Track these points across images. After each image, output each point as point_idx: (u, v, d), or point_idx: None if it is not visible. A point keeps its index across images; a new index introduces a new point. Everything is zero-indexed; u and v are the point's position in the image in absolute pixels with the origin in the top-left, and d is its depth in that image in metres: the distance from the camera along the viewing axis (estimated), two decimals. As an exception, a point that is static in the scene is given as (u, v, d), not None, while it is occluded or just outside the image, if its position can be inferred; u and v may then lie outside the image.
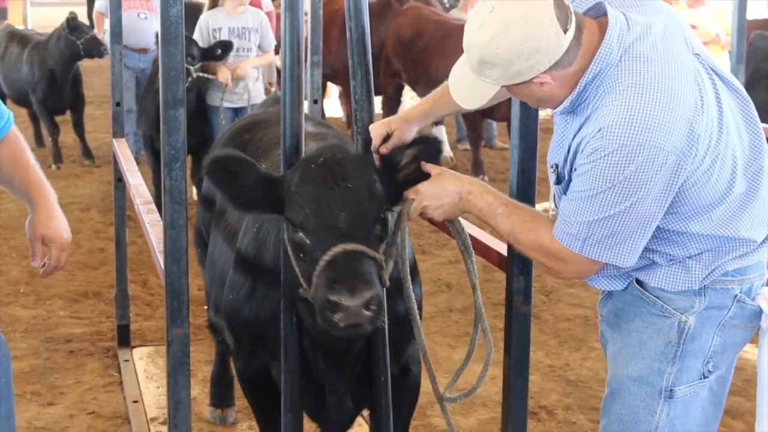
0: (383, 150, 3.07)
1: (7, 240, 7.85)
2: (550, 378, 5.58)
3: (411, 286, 3.05)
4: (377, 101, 11.72)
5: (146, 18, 10.33)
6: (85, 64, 11.61)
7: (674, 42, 2.69)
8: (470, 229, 3.54)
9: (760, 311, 2.80)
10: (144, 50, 10.31)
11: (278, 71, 9.65)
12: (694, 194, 2.66)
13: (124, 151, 5.26)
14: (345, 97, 13.21)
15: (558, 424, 5.04)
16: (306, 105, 4.75)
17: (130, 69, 10.01)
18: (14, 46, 11.11)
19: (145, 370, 5.53)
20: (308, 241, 2.79)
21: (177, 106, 2.82)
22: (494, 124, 11.93)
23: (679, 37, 2.72)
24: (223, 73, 8.07)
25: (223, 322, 3.55)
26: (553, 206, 2.92)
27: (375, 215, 2.86)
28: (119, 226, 5.80)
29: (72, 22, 10.51)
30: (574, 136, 2.70)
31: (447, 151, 11.05)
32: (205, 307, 4.22)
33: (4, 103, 3.56)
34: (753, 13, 8.29)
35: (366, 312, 2.63)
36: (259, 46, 8.41)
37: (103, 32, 10.89)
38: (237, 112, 8.22)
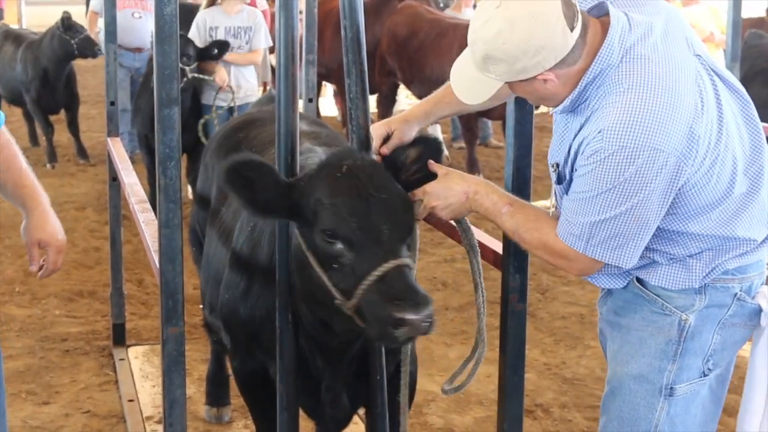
0: (384, 151, 3.07)
1: (2, 239, 7.84)
2: (545, 376, 5.59)
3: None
4: (372, 100, 11.76)
5: (140, 17, 10.32)
6: (79, 64, 11.60)
7: (675, 43, 2.69)
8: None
9: (760, 309, 2.81)
10: (138, 49, 10.31)
11: (273, 70, 9.64)
12: (694, 195, 2.67)
13: (118, 150, 5.26)
14: (340, 95, 13.22)
15: (554, 422, 5.04)
16: (301, 104, 4.75)
17: (125, 68, 10.01)
18: (8, 46, 11.09)
19: (141, 369, 5.52)
20: (349, 254, 2.75)
21: (171, 104, 2.82)
22: (489, 122, 11.94)
23: (680, 37, 2.71)
24: (221, 75, 8.06)
25: (218, 321, 3.55)
26: (554, 204, 2.92)
27: (411, 225, 2.88)
28: (114, 225, 5.80)
29: (66, 22, 10.50)
30: (575, 137, 2.70)
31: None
32: (201, 307, 4.22)
33: (-1, 103, 3.55)
34: (747, 12, 8.29)
35: (424, 324, 2.65)
36: (248, 44, 8.39)
37: (97, 31, 10.89)
38: (231, 110, 8.20)
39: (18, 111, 11.94)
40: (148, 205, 3.94)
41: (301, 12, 4.82)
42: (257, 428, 3.68)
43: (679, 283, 2.76)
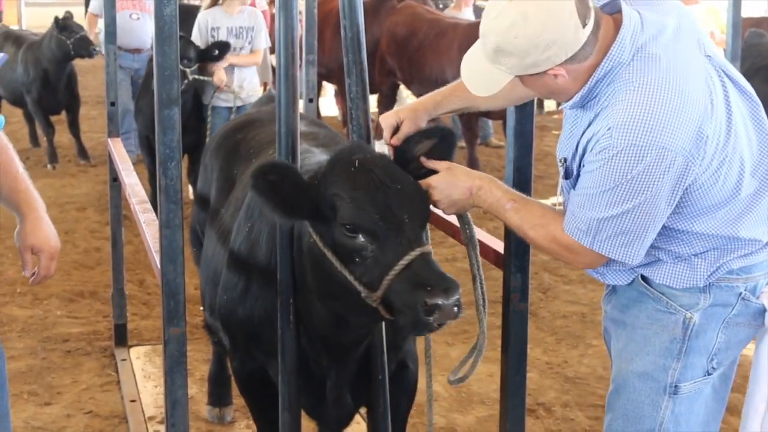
0: (394, 141, 3.06)
1: (3, 240, 7.83)
2: (547, 375, 5.59)
3: None
4: (372, 100, 11.75)
5: (138, 18, 10.32)
6: (80, 65, 11.61)
7: (687, 43, 2.68)
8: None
9: (764, 309, 2.81)
10: (137, 50, 10.31)
11: (273, 70, 9.64)
12: (701, 195, 2.67)
13: (119, 151, 5.26)
14: (340, 95, 13.22)
15: (556, 421, 5.04)
16: (301, 104, 4.75)
17: (124, 69, 10.00)
18: (9, 47, 11.10)
19: (143, 369, 5.52)
20: (372, 246, 2.77)
21: (172, 105, 2.82)
22: (490, 121, 11.94)
23: (692, 37, 2.71)
24: (219, 76, 8.06)
25: (217, 322, 3.55)
26: (561, 199, 2.92)
27: (428, 213, 2.91)
28: (115, 226, 5.80)
29: (62, 22, 10.49)
30: (583, 133, 2.70)
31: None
32: (201, 308, 4.22)
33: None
34: (747, 12, 8.30)
35: (455, 309, 2.68)
36: (250, 44, 8.40)
37: (97, 32, 10.90)
38: (239, 110, 8.20)
39: (19, 112, 11.94)
40: (149, 206, 3.94)
41: (300, 12, 4.82)
42: (258, 428, 3.68)
43: (683, 282, 2.76)
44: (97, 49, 10.52)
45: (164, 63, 2.80)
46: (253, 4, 9.54)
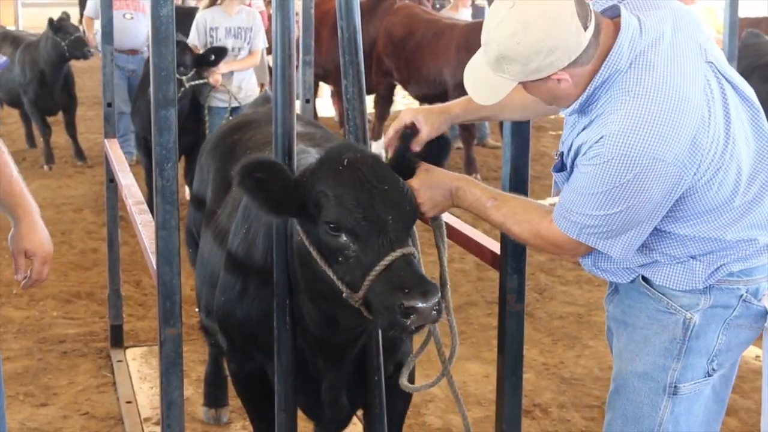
0: (415, 147, 3.01)
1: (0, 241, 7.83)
2: (544, 376, 5.59)
3: None
4: (369, 100, 11.75)
5: (132, 18, 10.27)
6: (77, 65, 11.59)
7: (687, 50, 2.67)
8: (464, 228, 3.54)
9: (766, 312, 2.81)
10: (133, 51, 10.27)
11: (270, 71, 9.63)
12: (695, 201, 2.67)
13: (116, 152, 5.26)
14: (337, 96, 13.22)
15: (552, 422, 5.04)
16: (298, 104, 4.74)
17: (120, 70, 9.97)
18: (7, 47, 11.09)
19: (139, 370, 5.52)
20: (354, 245, 2.76)
21: (168, 106, 2.81)
22: (487, 122, 11.94)
23: (693, 44, 2.69)
24: (215, 77, 8.05)
25: (215, 323, 3.55)
26: (558, 199, 2.92)
27: (414, 215, 2.89)
28: (112, 227, 5.79)
29: (57, 23, 10.48)
30: (578, 135, 2.71)
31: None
32: (197, 309, 4.22)
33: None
34: (743, 12, 8.31)
35: (433, 312, 2.66)
36: (248, 44, 8.39)
37: (94, 33, 10.88)
38: (229, 111, 8.19)
39: (15, 113, 11.93)
40: (145, 207, 3.94)
41: (297, 13, 4.82)
42: (255, 429, 3.67)
43: (682, 284, 2.76)
44: (92, 50, 10.51)
45: (161, 64, 2.79)
46: (249, 5, 9.52)
